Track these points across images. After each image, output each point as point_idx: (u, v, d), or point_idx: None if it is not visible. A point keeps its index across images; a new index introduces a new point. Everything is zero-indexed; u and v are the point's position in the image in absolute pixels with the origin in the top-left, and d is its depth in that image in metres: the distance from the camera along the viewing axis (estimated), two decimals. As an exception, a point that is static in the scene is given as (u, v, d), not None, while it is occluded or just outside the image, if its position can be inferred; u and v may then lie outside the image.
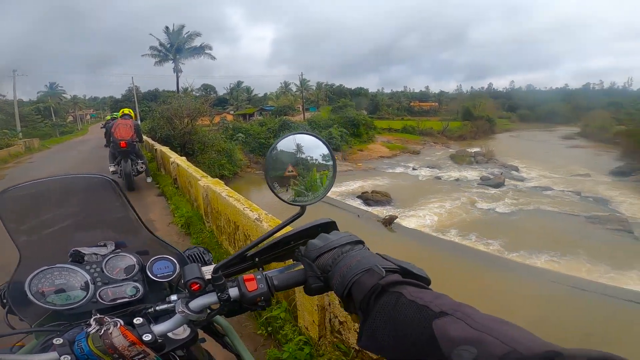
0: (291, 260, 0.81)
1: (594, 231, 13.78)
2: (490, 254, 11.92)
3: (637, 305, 8.38)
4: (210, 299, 0.71)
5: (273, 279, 0.73)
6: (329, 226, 0.81)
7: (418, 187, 21.88)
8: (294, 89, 55.46)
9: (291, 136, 0.79)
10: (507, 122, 57.68)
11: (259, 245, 0.79)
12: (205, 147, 20.31)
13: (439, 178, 24.72)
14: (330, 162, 0.82)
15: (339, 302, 1.80)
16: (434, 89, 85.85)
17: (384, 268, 0.58)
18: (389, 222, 14.76)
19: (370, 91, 63.12)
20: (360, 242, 0.71)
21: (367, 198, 19.36)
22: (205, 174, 5.48)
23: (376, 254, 0.66)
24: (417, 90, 79.40)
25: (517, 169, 27.73)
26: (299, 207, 0.77)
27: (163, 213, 6.78)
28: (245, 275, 0.72)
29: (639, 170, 23.63)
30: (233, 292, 0.71)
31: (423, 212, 16.80)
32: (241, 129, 27.88)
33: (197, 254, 1.00)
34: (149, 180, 9.05)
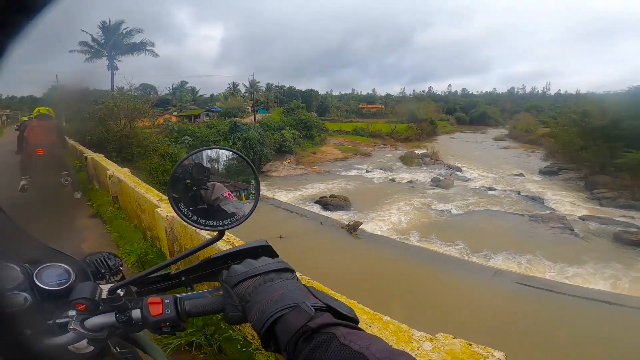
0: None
1: (540, 230, 14.74)
2: (455, 257, 12.08)
3: (599, 304, 8.90)
4: (107, 319, 0.68)
5: (185, 304, 0.68)
6: (266, 249, 0.74)
7: (375, 190, 21.96)
8: (243, 90, 53.62)
9: (205, 151, 0.76)
10: (446, 125, 61.49)
11: (184, 263, 0.75)
12: (146, 151, 18.26)
13: (393, 180, 25.12)
14: (253, 182, 0.78)
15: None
16: (380, 91, 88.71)
17: (312, 306, 0.54)
18: (353, 228, 14.34)
19: (319, 93, 63.14)
20: (289, 271, 0.66)
21: (326, 203, 18.86)
22: (165, 197, 4.35)
23: (303, 286, 0.62)
24: (364, 93, 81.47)
25: (460, 170, 29.27)
26: (215, 232, 0.72)
27: (102, 242, 5.44)
28: (152, 298, 0.68)
29: (565, 170, 26.29)
30: (136, 313, 0.67)
31: (384, 215, 16.72)
32: (187, 132, 25.84)
33: (100, 260, 0.89)
34: (78, 196, 7.45)
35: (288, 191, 21.63)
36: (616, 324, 8.05)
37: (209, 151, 0.76)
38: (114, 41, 35.92)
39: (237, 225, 0.73)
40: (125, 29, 36.69)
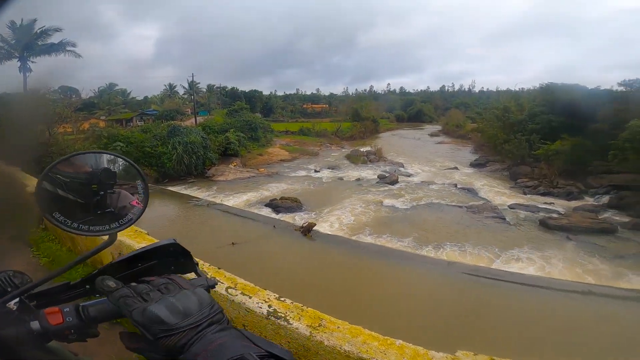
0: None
1: (477, 220, 16.09)
2: (408, 252, 12.64)
3: (536, 289, 9.96)
4: (4, 333, 0.68)
5: (90, 310, 0.68)
6: (174, 249, 0.74)
7: (325, 190, 22.18)
8: (182, 91, 50.78)
9: (79, 155, 0.75)
10: (387, 122, 64.47)
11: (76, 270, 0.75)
12: (70, 161, 16.38)
13: (341, 179, 25.60)
14: (140, 182, 0.78)
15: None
16: (324, 91, 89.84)
17: (257, 355, 0.54)
18: (307, 230, 14.29)
19: (263, 94, 62.16)
20: (220, 313, 0.62)
21: (277, 205, 18.58)
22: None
23: (236, 330, 0.61)
24: (308, 93, 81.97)
25: (402, 166, 30.79)
26: (106, 237, 0.73)
27: (29, 269, 4.65)
28: (49, 308, 0.68)
29: (492, 162, 29.06)
30: (35, 325, 0.67)
31: (336, 215, 16.94)
32: (119, 137, 23.65)
33: (5, 279, 0.83)
34: None
35: (236, 195, 20.93)
36: (551, 306, 9.09)
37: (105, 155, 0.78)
38: (27, 41, 31.84)
39: (126, 227, 0.74)
40: (41, 28, 32.65)
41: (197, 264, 0.80)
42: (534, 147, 24.24)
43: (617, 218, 16.41)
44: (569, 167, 21.82)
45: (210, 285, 0.76)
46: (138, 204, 0.77)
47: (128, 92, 49.23)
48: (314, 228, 14.58)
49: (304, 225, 14.71)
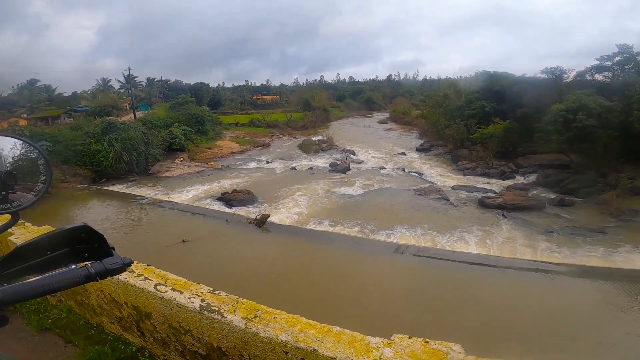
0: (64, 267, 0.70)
1: (424, 202, 16.96)
2: (361, 238, 13.01)
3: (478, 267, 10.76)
4: None
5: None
6: (87, 234, 0.72)
7: (277, 181, 21.97)
8: (118, 86, 46.98)
9: None
10: (338, 111, 65.27)
11: None
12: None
13: (294, 169, 25.55)
14: (42, 161, 0.80)
15: None
16: (279, 82, 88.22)
17: None
18: (261, 222, 14.12)
19: (211, 86, 59.71)
20: None
21: (229, 199, 18.11)
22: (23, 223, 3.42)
23: None
24: (258, 84, 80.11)
25: (354, 153, 31.51)
26: (9, 215, 0.73)
27: None
28: None
29: (435, 146, 30.80)
30: None
31: (290, 205, 16.92)
32: (45, 136, 21.34)
33: None
34: None
35: (185, 191, 20.02)
36: (490, 282, 9.89)
37: None
38: None
39: (32, 203, 0.75)
40: None
41: (114, 248, 0.77)
42: (471, 131, 26.01)
43: (544, 195, 17.68)
44: (502, 149, 23.81)
45: (127, 264, 0.74)
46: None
47: (53, 88, 44.60)
48: (268, 219, 14.44)
49: (258, 217, 14.51)
